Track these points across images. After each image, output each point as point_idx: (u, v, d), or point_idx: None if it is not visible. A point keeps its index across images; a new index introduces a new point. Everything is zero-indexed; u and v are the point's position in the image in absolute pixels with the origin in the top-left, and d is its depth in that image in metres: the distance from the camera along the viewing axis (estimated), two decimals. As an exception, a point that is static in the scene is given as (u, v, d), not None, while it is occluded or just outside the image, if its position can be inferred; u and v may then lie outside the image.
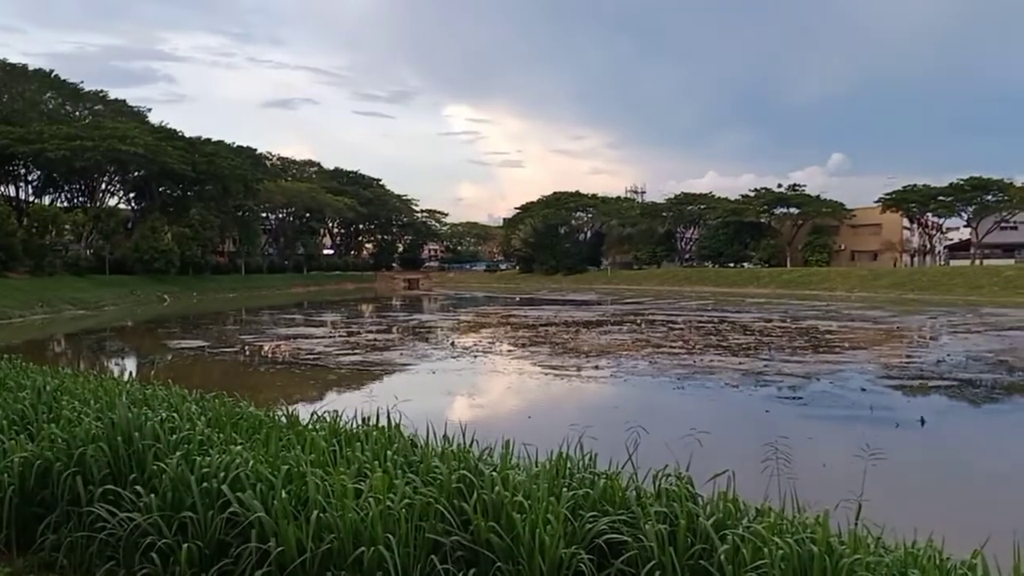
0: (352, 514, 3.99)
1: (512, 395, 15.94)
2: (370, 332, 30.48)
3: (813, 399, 14.70)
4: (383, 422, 6.23)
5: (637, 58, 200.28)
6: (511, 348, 24.61)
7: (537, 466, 4.92)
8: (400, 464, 4.87)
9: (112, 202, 69.37)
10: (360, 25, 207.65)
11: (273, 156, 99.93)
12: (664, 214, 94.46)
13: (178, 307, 51.08)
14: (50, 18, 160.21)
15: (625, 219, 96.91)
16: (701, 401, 15.01)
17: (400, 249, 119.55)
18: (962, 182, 73.20)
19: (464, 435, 5.60)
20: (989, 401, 15.40)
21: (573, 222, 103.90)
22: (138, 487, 4.69)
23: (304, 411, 7.32)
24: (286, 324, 35.69)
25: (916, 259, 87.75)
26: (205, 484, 4.46)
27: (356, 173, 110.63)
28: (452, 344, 25.27)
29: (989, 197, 72.85)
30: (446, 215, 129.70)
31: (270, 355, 23.83)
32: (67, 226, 59.01)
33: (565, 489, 4.29)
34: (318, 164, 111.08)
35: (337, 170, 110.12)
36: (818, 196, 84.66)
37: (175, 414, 6.07)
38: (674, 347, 23.37)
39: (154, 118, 77.00)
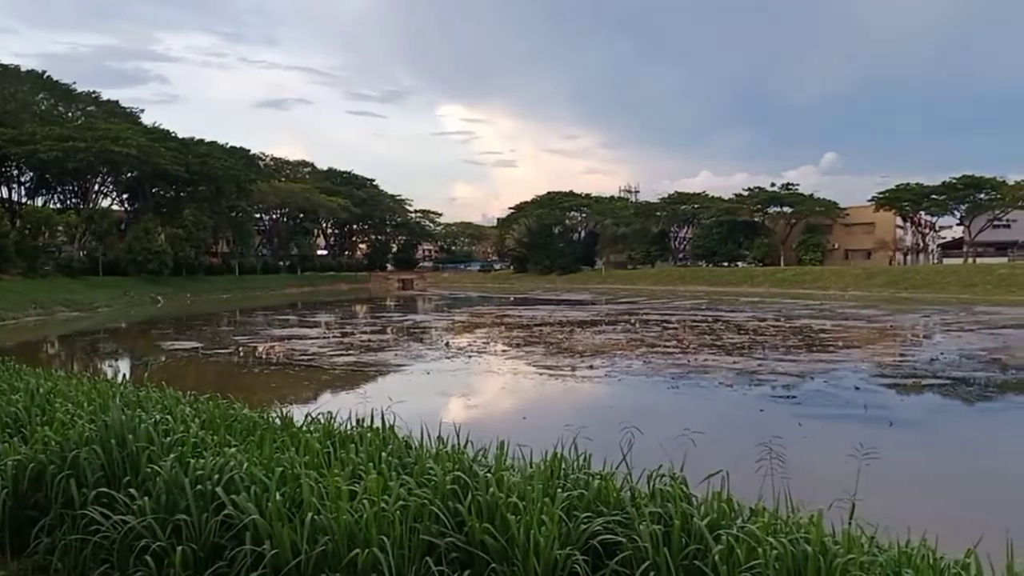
0: (346, 516, 3.98)
1: (506, 395, 15.93)
2: (364, 333, 30.45)
3: (807, 398, 14.74)
4: (377, 423, 6.23)
5: (631, 58, 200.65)
6: (505, 348, 24.61)
7: (532, 467, 4.93)
8: (394, 466, 4.86)
9: (105, 203, 69.30)
10: (353, 25, 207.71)
11: (266, 156, 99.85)
12: (658, 213, 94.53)
13: (172, 308, 50.94)
14: (43, 18, 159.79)
15: (619, 219, 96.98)
16: (695, 401, 15.03)
17: (394, 249, 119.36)
18: (955, 180, 73.40)
19: (459, 436, 5.60)
20: (983, 399, 15.46)
21: (567, 222, 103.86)
22: (132, 490, 4.67)
23: (298, 413, 7.30)
24: (280, 325, 35.63)
25: (909, 258, 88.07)
26: (199, 486, 4.45)
27: (350, 173, 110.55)
28: (446, 344, 25.26)
29: (982, 195, 73.08)
30: (440, 215, 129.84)
31: (264, 356, 23.79)
32: (60, 227, 58.87)
33: (560, 490, 4.28)
34: (311, 164, 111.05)
35: (331, 170, 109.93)
36: (811, 195, 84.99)
37: (169, 416, 6.06)
38: (668, 347, 23.41)
39: (147, 119, 76.83)
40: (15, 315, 38.33)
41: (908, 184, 77.72)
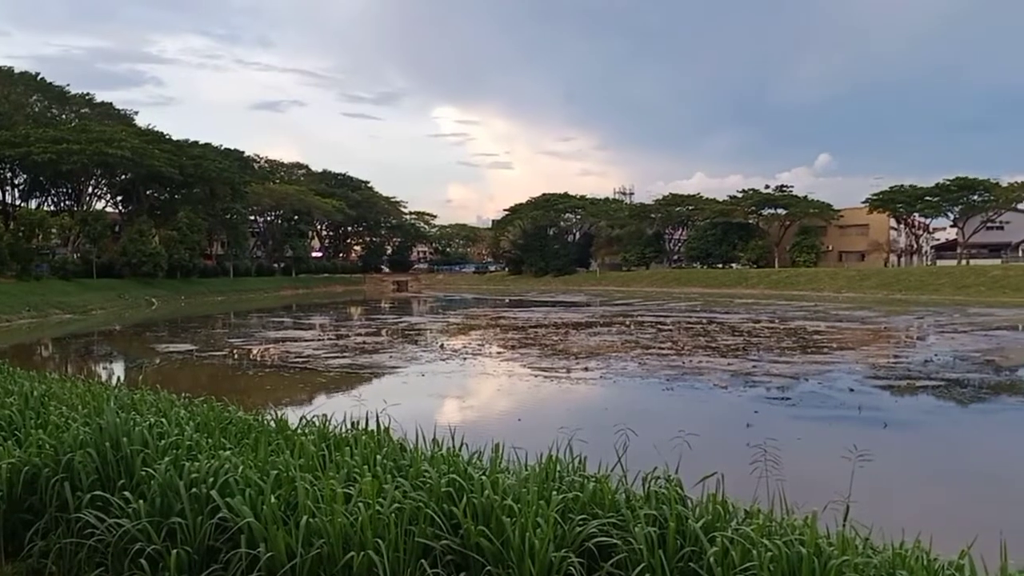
0: (341, 519, 3.98)
1: (501, 398, 15.93)
2: (359, 335, 30.41)
3: (802, 400, 14.78)
4: (372, 426, 6.23)
5: (625, 60, 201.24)
6: (500, 350, 24.60)
7: (527, 469, 4.92)
8: (389, 468, 4.86)
9: (99, 205, 69.10)
10: (347, 27, 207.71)
11: (261, 159, 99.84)
12: (652, 215, 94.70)
13: (166, 311, 50.80)
14: (36, 21, 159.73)
15: (614, 220, 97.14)
16: (690, 403, 15.05)
17: (389, 251, 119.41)
18: (948, 182, 73.64)
19: (453, 439, 5.59)
20: (977, 401, 15.50)
21: (562, 224, 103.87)
22: (127, 493, 4.66)
23: (293, 415, 7.29)
24: (275, 327, 35.56)
25: (903, 259, 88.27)
26: (194, 490, 4.44)
27: (344, 175, 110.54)
28: (441, 346, 25.25)
29: (975, 197, 73.34)
30: (435, 217, 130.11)
31: (259, 358, 23.74)
32: (54, 230, 58.60)
33: (555, 492, 4.29)
34: (306, 166, 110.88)
35: (325, 172, 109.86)
36: (805, 197, 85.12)
37: (163, 419, 6.04)
38: (663, 348, 23.43)
39: (141, 121, 76.86)
40: (8, 318, 38.20)
41: (902, 186, 78.05)
